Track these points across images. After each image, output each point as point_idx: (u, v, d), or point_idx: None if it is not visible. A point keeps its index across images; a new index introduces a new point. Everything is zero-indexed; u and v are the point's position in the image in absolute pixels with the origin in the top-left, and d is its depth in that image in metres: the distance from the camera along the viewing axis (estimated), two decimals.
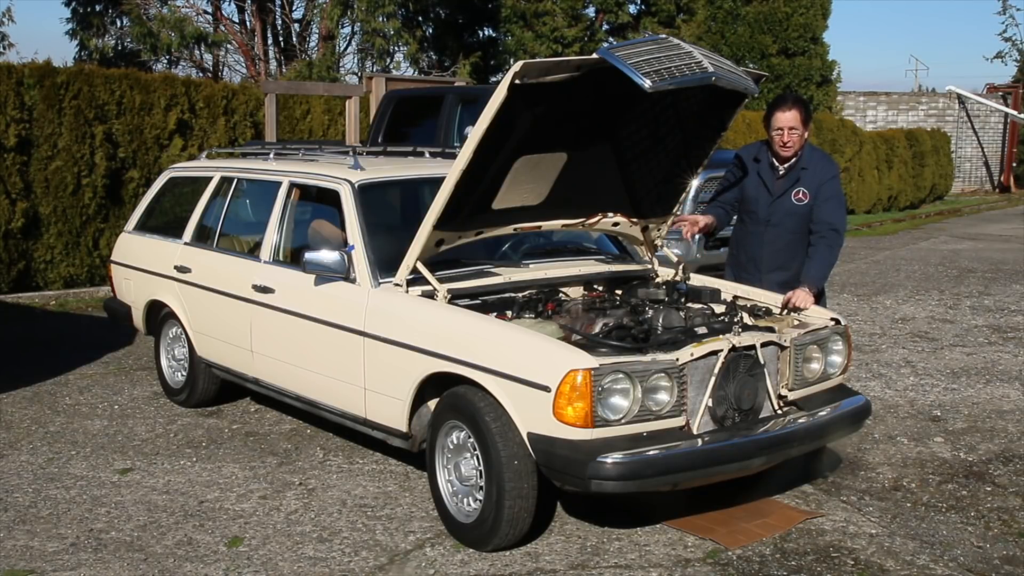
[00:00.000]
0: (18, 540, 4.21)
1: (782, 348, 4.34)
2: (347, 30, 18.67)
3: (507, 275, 4.81)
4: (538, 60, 4.03)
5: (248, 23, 18.48)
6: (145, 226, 6.59)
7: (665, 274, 5.29)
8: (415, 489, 4.77)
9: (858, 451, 5.39)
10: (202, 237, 5.99)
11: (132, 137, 10.23)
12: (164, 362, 6.31)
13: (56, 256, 9.79)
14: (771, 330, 4.37)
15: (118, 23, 18.41)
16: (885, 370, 7.21)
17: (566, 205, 4.81)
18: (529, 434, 3.89)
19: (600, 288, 5.12)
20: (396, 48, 17.82)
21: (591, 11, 20.66)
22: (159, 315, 6.29)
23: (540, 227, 4.88)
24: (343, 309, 4.72)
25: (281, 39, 18.97)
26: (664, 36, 4.11)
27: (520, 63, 3.90)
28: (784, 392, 4.36)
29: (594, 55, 3.97)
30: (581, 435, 3.76)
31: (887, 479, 5.00)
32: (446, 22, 19.86)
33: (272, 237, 5.36)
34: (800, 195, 5.07)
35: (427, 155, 6.03)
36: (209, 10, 18.44)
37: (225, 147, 10.45)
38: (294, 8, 18.94)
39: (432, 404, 4.40)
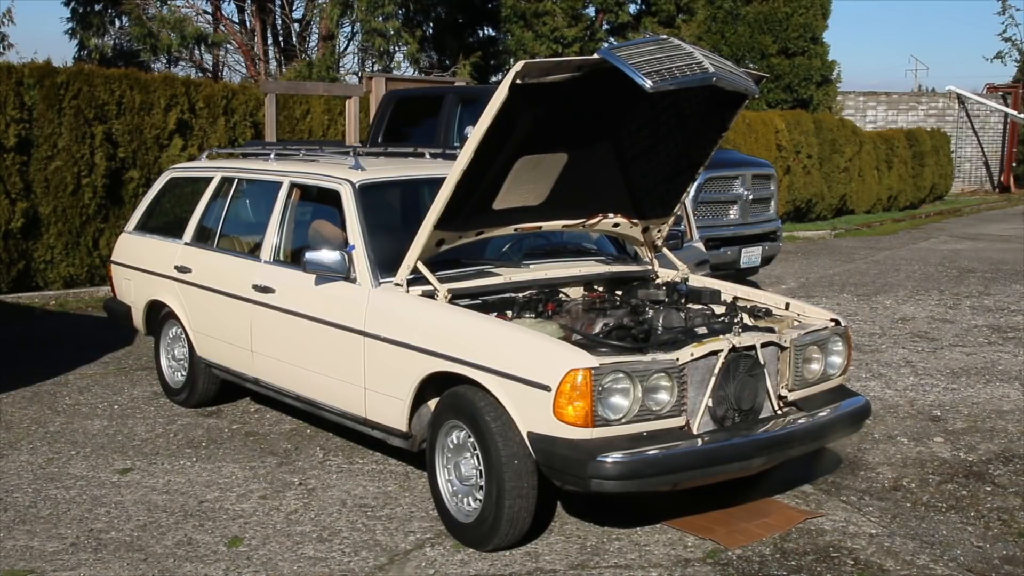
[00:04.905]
0: (18, 540, 4.21)
1: (782, 348, 4.34)
2: (347, 30, 18.69)
3: (507, 275, 4.82)
4: (539, 60, 4.03)
5: (248, 23, 18.47)
6: (145, 226, 6.59)
7: (665, 275, 5.29)
8: (415, 489, 4.77)
9: (858, 451, 5.39)
10: (202, 237, 5.99)
11: (132, 137, 10.22)
12: (164, 362, 6.31)
13: (56, 256, 9.79)
14: (771, 331, 4.37)
15: (118, 23, 18.39)
16: (885, 370, 7.21)
17: (567, 205, 4.81)
18: (529, 433, 3.89)
19: (600, 288, 5.12)
20: (396, 48, 17.81)
21: (591, 11, 20.65)
22: (159, 315, 6.29)
23: (540, 227, 4.88)
24: (343, 309, 4.72)
25: (281, 39, 18.95)
26: (665, 36, 4.12)
27: (521, 63, 3.90)
28: (784, 392, 4.37)
29: (595, 55, 3.98)
30: (581, 434, 3.76)
31: (887, 479, 5.00)
32: (446, 22, 19.85)
33: (272, 237, 5.36)
34: None
35: (427, 156, 6.04)
36: (209, 10, 18.43)
37: (225, 147, 10.45)
38: (294, 8, 18.94)
39: (432, 404, 4.40)
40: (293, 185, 5.40)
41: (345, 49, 19.24)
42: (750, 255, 9.93)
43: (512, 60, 18.51)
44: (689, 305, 4.80)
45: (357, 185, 4.95)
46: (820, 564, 4.02)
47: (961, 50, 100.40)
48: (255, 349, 5.38)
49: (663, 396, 3.93)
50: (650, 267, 5.34)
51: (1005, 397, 6.57)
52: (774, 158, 16.47)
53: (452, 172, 4.20)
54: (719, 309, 4.78)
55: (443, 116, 9.82)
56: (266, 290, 5.24)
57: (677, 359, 3.97)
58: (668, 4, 20.97)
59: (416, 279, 4.53)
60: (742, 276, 9.69)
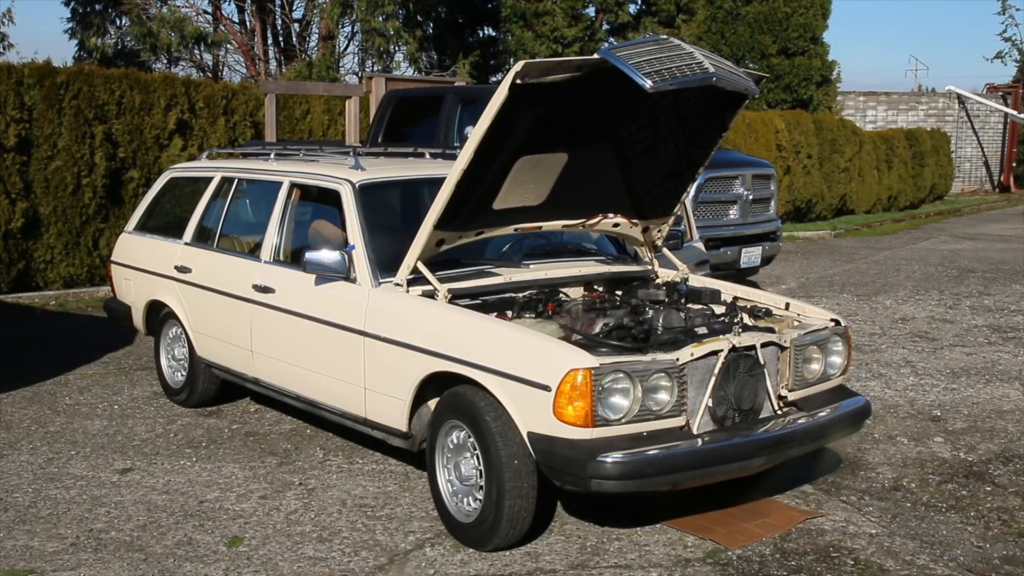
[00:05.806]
0: (18, 540, 4.21)
1: (782, 348, 4.34)
2: (347, 30, 18.69)
3: (507, 275, 4.82)
4: (539, 60, 4.03)
5: (248, 23, 18.46)
6: (145, 226, 6.59)
7: (665, 275, 5.29)
8: (415, 489, 4.77)
9: (858, 451, 5.39)
10: (202, 237, 5.99)
11: (132, 137, 10.22)
12: (164, 362, 6.31)
13: (56, 256, 9.79)
14: (771, 331, 4.37)
15: (118, 23, 18.41)
16: (885, 370, 7.21)
17: (567, 205, 4.81)
18: (529, 433, 3.89)
19: (600, 288, 5.12)
20: (396, 48, 17.81)
21: (591, 11, 20.65)
22: (159, 315, 6.29)
23: (540, 227, 4.88)
24: (343, 309, 4.72)
25: (281, 39, 18.95)
26: (665, 36, 4.12)
27: (521, 63, 3.90)
28: (784, 392, 4.37)
29: (595, 55, 3.98)
30: (581, 434, 3.76)
31: (887, 479, 5.00)
32: (446, 22, 19.85)
33: (272, 237, 5.37)
34: None
35: (427, 156, 6.04)
36: (209, 10, 18.44)
37: (225, 147, 10.44)
38: (294, 8, 18.94)
39: (432, 404, 4.40)
40: (293, 185, 5.40)
41: (345, 49, 19.26)
42: (750, 255, 9.94)
43: (512, 60, 18.51)
44: (689, 305, 4.80)
45: (357, 185, 4.95)
46: (820, 564, 4.02)
47: (961, 50, 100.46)
48: (255, 349, 5.38)
49: (663, 396, 3.93)
50: (650, 267, 5.34)
51: (1005, 397, 6.57)
52: (774, 158, 16.46)
53: (452, 172, 4.20)
54: (719, 309, 4.78)
55: (443, 116, 9.81)
56: (266, 290, 5.24)
57: (677, 359, 3.97)
58: (668, 4, 20.97)
59: (416, 279, 4.53)
60: (742, 276, 9.69)
